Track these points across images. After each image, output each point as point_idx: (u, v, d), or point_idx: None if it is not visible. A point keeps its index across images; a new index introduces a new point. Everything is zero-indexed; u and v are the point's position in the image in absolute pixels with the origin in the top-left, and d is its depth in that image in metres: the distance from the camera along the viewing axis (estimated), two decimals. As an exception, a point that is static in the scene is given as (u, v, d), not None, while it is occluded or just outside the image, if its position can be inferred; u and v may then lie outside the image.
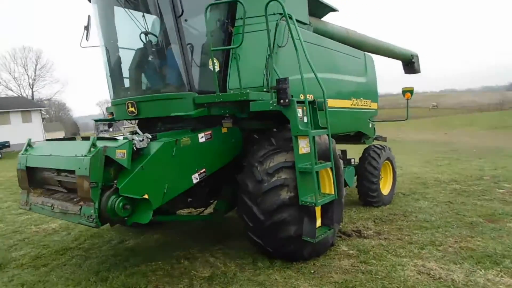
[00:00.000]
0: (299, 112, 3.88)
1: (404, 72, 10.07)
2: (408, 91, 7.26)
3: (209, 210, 5.83)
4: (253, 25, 4.56)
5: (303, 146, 3.90)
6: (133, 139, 3.54)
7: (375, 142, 7.96)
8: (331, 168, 4.67)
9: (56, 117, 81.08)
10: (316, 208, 4.03)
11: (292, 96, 4.00)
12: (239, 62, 4.49)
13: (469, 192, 7.93)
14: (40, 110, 38.01)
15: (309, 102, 4.10)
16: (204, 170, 4.17)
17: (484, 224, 5.55)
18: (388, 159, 7.30)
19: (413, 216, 6.15)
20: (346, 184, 6.43)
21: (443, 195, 7.81)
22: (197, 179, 4.08)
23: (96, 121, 6.08)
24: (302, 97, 4.80)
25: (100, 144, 3.50)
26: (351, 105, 6.26)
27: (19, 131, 31.71)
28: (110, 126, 5.82)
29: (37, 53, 59.51)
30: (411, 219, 5.95)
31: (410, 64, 9.69)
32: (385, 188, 7.34)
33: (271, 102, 4.00)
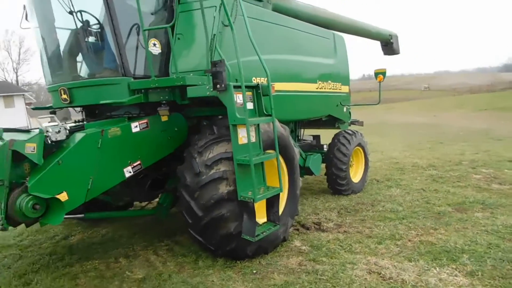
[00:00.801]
0: (238, 98, 3.49)
1: (383, 53, 9.65)
2: (380, 73, 6.87)
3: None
4: (196, 2, 4.12)
5: (244, 136, 3.53)
6: (46, 131, 3.15)
7: (354, 128, 7.63)
8: (286, 159, 4.34)
9: (47, 101, 79.88)
10: (258, 203, 3.69)
11: (232, 81, 3.61)
12: (182, 44, 4.08)
13: (444, 179, 7.66)
14: (23, 94, 37.12)
15: (253, 87, 3.70)
16: (139, 162, 3.80)
17: (451, 214, 5.27)
18: (359, 145, 6.96)
19: (381, 205, 5.86)
20: (311, 173, 6.11)
21: (418, 181, 7.53)
22: (130, 172, 3.72)
23: (33, 109, 5.66)
24: (255, 81, 4.43)
25: (7, 137, 3.11)
26: (318, 88, 5.87)
27: (1, 116, 30.99)
28: (53, 113, 5.40)
29: (20, 37, 57.80)
30: (377, 209, 5.65)
31: (388, 45, 9.26)
32: (356, 176, 7.03)
33: (207, 87, 3.60)
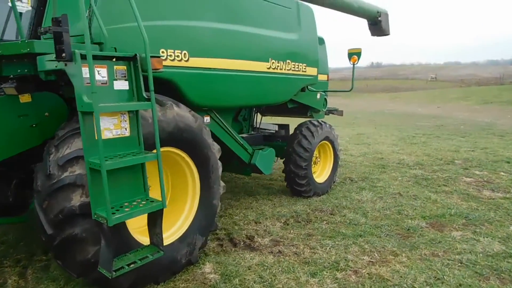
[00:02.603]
0: (100, 73, 2.39)
1: (370, 34, 8.42)
2: (354, 54, 5.69)
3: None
4: None
5: (110, 128, 2.45)
6: None
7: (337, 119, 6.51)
8: (197, 160, 3.27)
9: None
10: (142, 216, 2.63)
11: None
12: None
13: (429, 181, 6.56)
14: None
15: (127, 58, 2.59)
16: (-19, 157, 2.76)
17: (423, 231, 4.20)
18: (327, 139, 5.86)
19: (341, 214, 4.80)
20: (260, 172, 5.03)
21: (397, 183, 6.44)
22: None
23: None
24: (162, 53, 3.33)
25: None
26: (269, 68, 4.70)
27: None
28: None
29: None
30: (334, 220, 4.59)
31: (377, 24, 8.02)
32: (321, 175, 5.95)
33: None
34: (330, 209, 5.02)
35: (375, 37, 8.58)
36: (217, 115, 4.27)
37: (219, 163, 3.53)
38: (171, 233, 3.18)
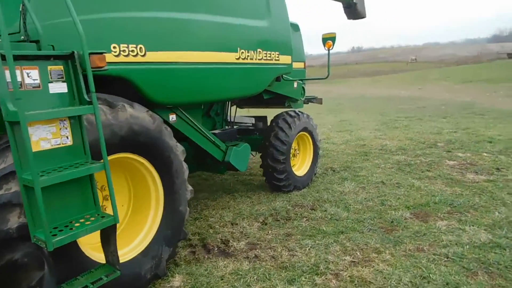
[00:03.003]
0: (25, 76, 2.06)
1: (346, 17, 8.15)
2: (329, 39, 5.41)
3: None
4: None
5: (47, 137, 2.14)
6: None
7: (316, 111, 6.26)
8: (157, 165, 2.98)
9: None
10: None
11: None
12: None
13: (412, 166, 6.40)
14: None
15: (63, 57, 2.26)
16: None
17: (407, 223, 4.01)
18: (305, 129, 5.61)
19: (323, 209, 4.58)
20: (235, 169, 4.75)
21: (380, 171, 6.26)
22: None
23: None
24: (114, 49, 3.00)
25: None
26: (239, 59, 4.40)
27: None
28: None
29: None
30: (315, 216, 4.37)
31: (351, 7, 7.75)
32: (301, 168, 5.71)
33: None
34: (310, 204, 4.80)
35: (352, 21, 8.34)
36: (184, 113, 3.97)
37: (185, 166, 3.24)
38: (133, 247, 2.90)
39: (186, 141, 4.13)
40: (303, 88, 6.30)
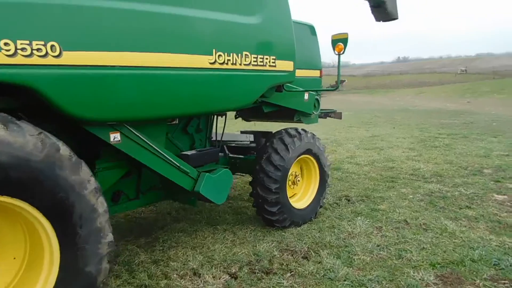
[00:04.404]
0: None
1: (374, 19, 6.99)
2: (339, 41, 4.32)
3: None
4: None
5: None
6: None
7: (320, 127, 5.22)
8: (48, 213, 2.12)
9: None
10: None
11: None
12: None
13: (447, 200, 5.14)
14: None
15: None
16: None
17: (429, 295, 2.86)
18: (309, 152, 4.54)
19: (318, 259, 3.50)
20: (208, 200, 3.77)
21: (406, 203, 5.06)
22: None
23: None
24: (6, 46, 2.18)
25: None
26: (213, 63, 3.41)
27: None
28: None
29: None
30: (305, 270, 3.29)
31: (381, 6, 6.59)
32: (303, 198, 4.64)
33: None
34: (305, 249, 3.73)
35: (382, 23, 7.16)
36: (134, 131, 3.07)
37: (100, 209, 2.33)
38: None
39: None
40: (317, 101, 5.27)
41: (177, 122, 4.01)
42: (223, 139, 4.82)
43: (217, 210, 5.02)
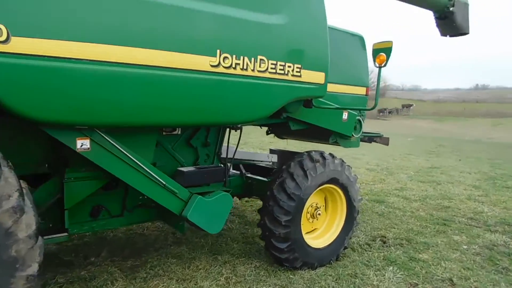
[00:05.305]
0: None
1: (440, 33, 6.06)
2: (381, 51, 3.55)
3: None
4: None
5: None
6: None
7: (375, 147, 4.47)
8: None
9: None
10: None
11: None
12: None
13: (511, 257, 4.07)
14: None
15: None
16: None
17: None
18: (334, 182, 3.78)
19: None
20: (200, 229, 3.17)
21: (456, 256, 4.09)
22: None
23: None
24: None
25: None
26: (216, 66, 2.85)
27: None
28: None
29: None
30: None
31: (447, 18, 5.66)
32: (324, 236, 3.88)
33: None
34: (310, 304, 2.99)
35: (448, 37, 6.19)
36: (108, 138, 2.61)
37: (21, 234, 1.84)
38: None
39: None
40: (359, 122, 4.52)
41: (179, 132, 3.52)
42: (238, 157, 4.25)
43: (226, 235, 4.42)
